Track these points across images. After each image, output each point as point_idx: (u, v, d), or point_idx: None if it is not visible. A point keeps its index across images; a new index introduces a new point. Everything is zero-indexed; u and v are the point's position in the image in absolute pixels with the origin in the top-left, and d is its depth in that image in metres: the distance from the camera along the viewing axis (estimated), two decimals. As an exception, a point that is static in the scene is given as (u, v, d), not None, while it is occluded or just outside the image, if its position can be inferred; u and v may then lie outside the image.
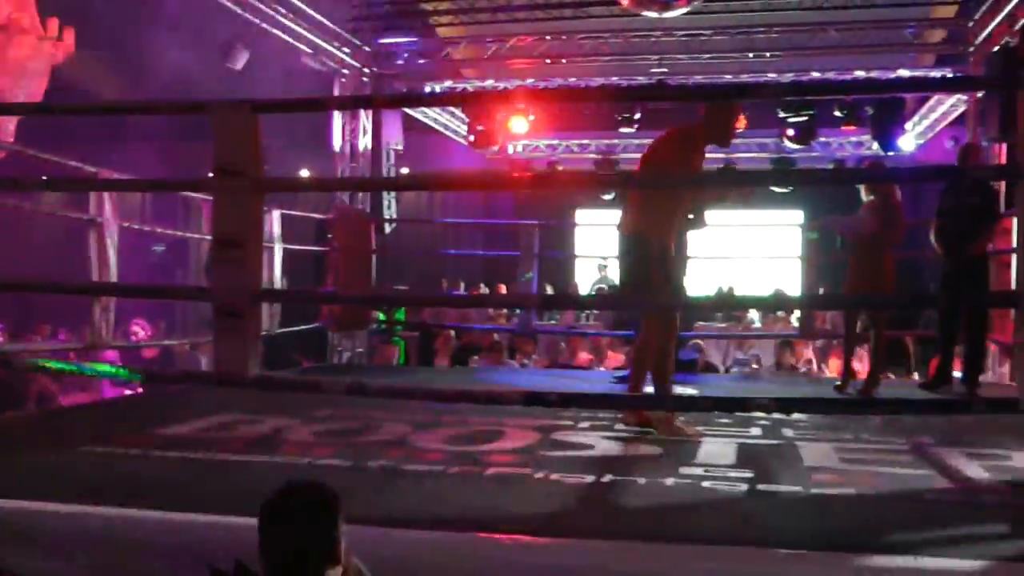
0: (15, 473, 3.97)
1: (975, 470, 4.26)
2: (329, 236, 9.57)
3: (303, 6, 11.60)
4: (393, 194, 13.59)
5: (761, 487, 3.83)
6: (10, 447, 4.57)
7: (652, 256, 5.09)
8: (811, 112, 13.46)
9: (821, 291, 11.12)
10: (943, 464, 4.39)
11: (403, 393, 5.36)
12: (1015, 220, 3.67)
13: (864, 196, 6.83)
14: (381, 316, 11.31)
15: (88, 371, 5.71)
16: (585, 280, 16.59)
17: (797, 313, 12.11)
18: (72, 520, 3.39)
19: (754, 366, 10.59)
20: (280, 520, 2.37)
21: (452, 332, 11.53)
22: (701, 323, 12.18)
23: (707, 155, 5.49)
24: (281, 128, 12.87)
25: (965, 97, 11.89)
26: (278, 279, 8.61)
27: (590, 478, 3.97)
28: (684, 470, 4.13)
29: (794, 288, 12.76)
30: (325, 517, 2.39)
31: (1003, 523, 3.40)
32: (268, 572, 2.36)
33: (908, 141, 15.81)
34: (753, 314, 13.77)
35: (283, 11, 11.33)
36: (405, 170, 15.32)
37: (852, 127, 14.23)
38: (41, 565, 3.22)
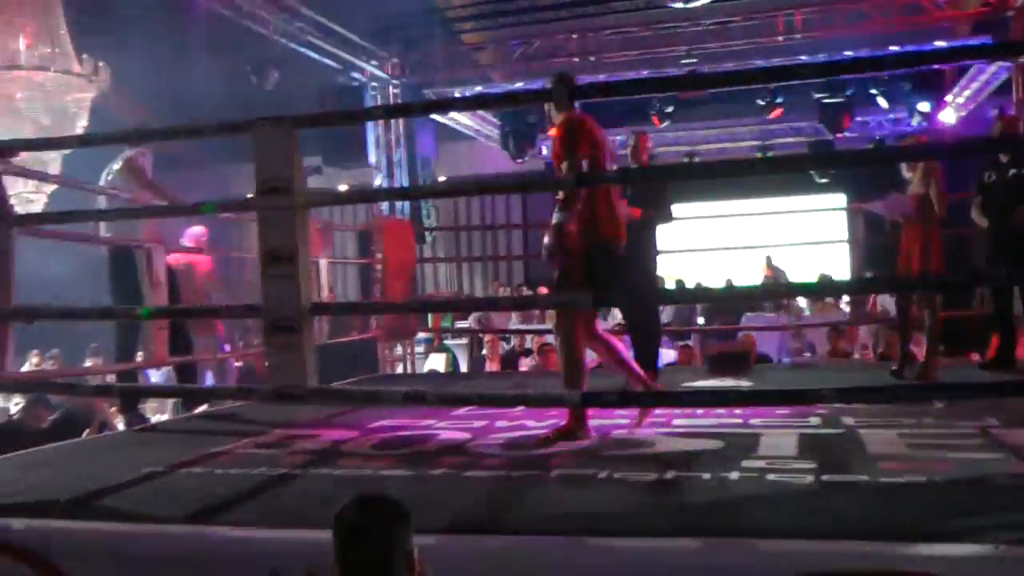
0: (88, 495, 4.01)
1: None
2: (372, 247, 9.61)
3: (328, 23, 11.70)
4: (432, 202, 13.66)
5: (826, 477, 3.76)
6: (78, 471, 4.59)
7: None
8: (847, 93, 13.33)
9: (869, 275, 10.99)
10: (1015, 447, 4.25)
11: (462, 400, 5.32)
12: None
13: (906, 174, 6.69)
14: (428, 324, 11.32)
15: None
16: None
17: (847, 298, 11.99)
18: (142, 540, 3.45)
19: (807, 354, 10.48)
20: (358, 533, 2.41)
21: (499, 337, 11.50)
22: (750, 314, 12.09)
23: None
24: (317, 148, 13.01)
25: (1009, 64, 11.62)
26: (325, 292, 8.65)
27: (653, 475, 3.91)
28: (747, 463, 4.07)
29: (841, 273, 12.62)
30: (400, 528, 2.44)
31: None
32: None
33: (949, 114, 15.58)
34: (802, 302, 13.62)
35: (310, 30, 11.44)
36: (442, 178, 15.37)
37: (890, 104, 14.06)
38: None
